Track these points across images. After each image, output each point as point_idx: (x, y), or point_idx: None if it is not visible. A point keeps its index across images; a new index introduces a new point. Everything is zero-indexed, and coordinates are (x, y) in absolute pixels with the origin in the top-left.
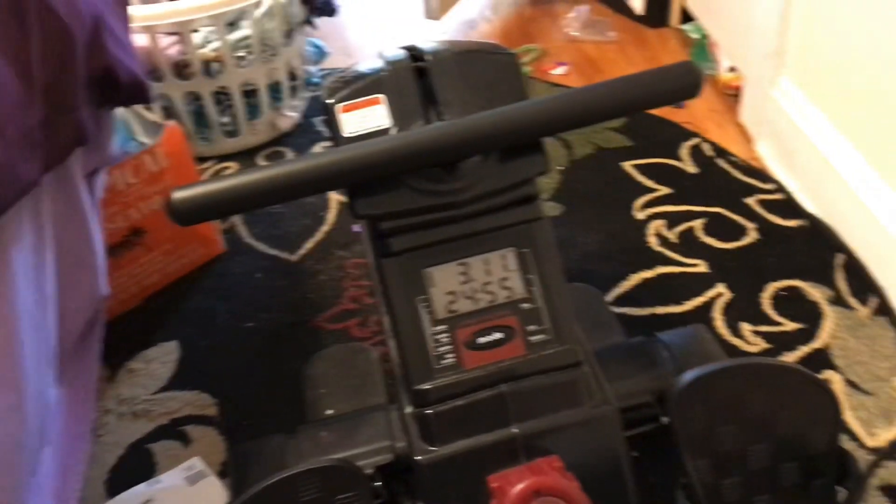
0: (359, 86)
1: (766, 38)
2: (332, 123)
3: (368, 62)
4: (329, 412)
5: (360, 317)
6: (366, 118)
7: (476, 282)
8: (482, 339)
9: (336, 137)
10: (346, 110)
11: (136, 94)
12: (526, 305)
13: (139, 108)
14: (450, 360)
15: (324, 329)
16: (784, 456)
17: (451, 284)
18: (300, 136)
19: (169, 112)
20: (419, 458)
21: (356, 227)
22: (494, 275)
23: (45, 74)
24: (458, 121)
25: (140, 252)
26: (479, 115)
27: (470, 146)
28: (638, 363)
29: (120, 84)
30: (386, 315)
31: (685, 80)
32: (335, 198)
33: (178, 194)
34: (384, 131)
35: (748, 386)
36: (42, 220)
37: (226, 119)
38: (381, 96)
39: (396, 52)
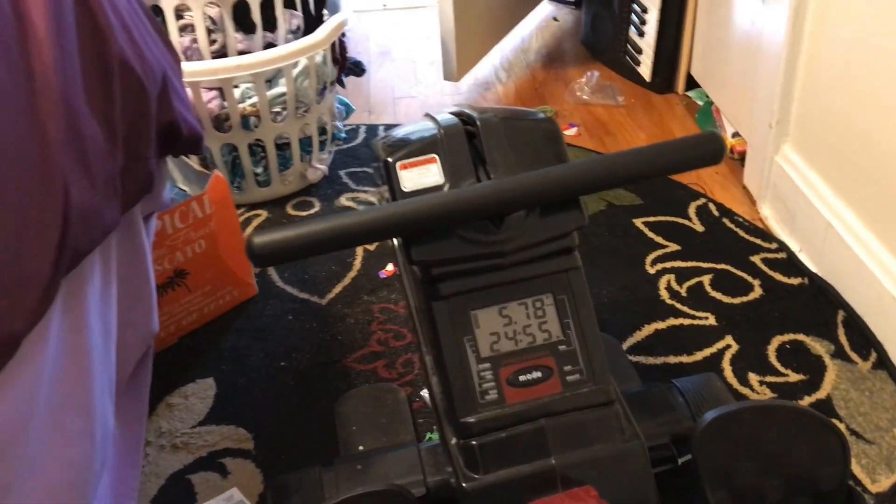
0: (415, 147)
1: (769, 107)
2: (391, 179)
3: (420, 125)
4: (361, 448)
5: (387, 359)
6: (422, 175)
7: (517, 324)
8: (523, 377)
9: (395, 191)
10: (405, 168)
11: (192, 144)
12: (563, 347)
13: (184, 157)
14: (493, 395)
15: (352, 369)
16: (797, 492)
17: (494, 326)
18: (327, 188)
19: (205, 162)
20: (465, 484)
21: (383, 273)
22: (534, 318)
23: (124, 127)
24: (505, 179)
25: (181, 293)
26: (524, 174)
27: (515, 202)
28: (656, 407)
29: (181, 135)
30: (428, 354)
31: (710, 148)
32: (361, 246)
33: (258, 238)
34: (438, 187)
35: (765, 425)
36: (110, 260)
37: (259, 170)
38: (435, 156)
39: (447, 116)
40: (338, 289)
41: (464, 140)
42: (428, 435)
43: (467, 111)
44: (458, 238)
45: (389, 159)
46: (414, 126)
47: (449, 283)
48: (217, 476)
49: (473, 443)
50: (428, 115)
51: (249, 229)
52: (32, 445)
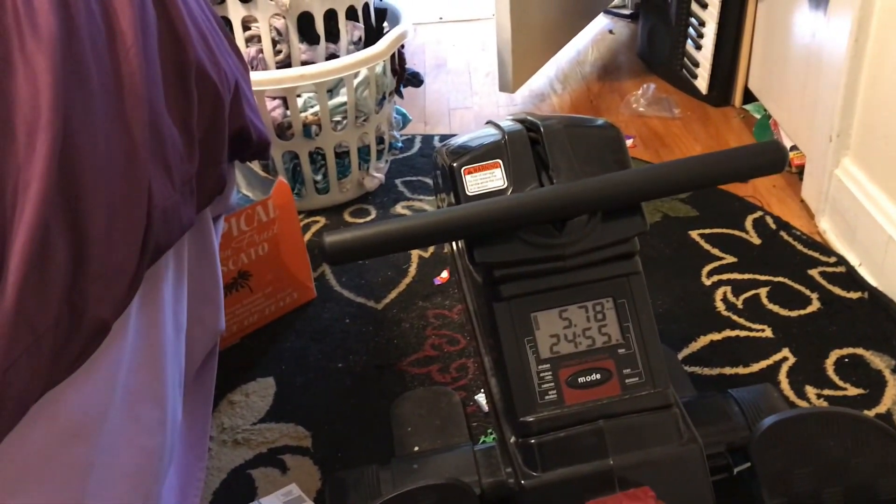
0: (480, 152)
1: (830, 120)
2: (455, 183)
3: (484, 131)
4: (416, 449)
5: (441, 363)
6: (486, 180)
7: (577, 327)
8: (582, 379)
9: (459, 195)
10: (469, 172)
11: (260, 150)
12: (622, 351)
13: (248, 162)
14: (552, 396)
15: (407, 372)
16: (855, 500)
17: (554, 328)
18: (383, 196)
19: (268, 168)
20: (524, 482)
21: (437, 280)
22: (594, 322)
23: (201, 131)
24: (568, 184)
25: (244, 293)
26: (587, 180)
27: (577, 207)
28: (712, 415)
29: (251, 141)
30: (487, 355)
31: (773, 157)
32: (416, 252)
33: (330, 237)
34: (502, 191)
35: (824, 432)
36: (182, 258)
37: (318, 177)
38: (499, 161)
39: (510, 123)
40: (393, 294)
41: (527, 146)
42: (482, 438)
43: (530, 118)
44: (521, 241)
45: (454, 164)
46: (477, 133)
47: (510, 285)
48: (277, 472)
49: (532, 441)
50: (491, 122)
51: (308, 235)
52: (111, 431)
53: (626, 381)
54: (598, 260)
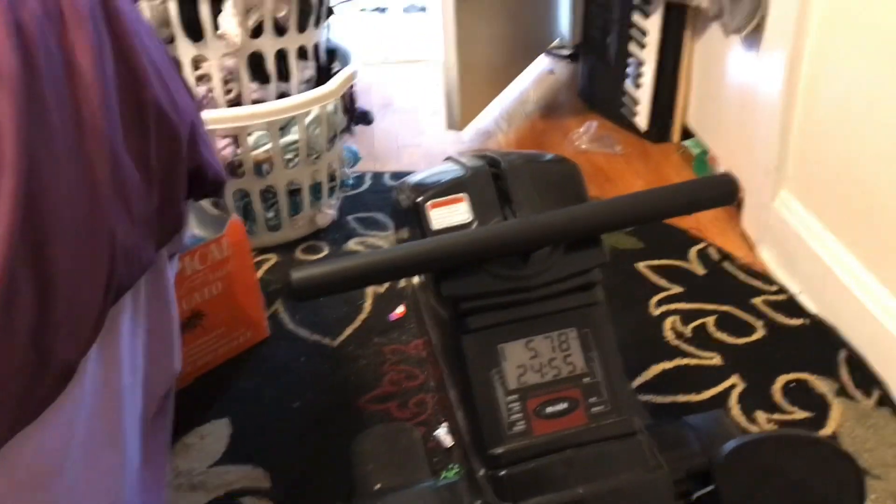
0: (444, 187)
1: (766, 154)
2: (420, 219)
3: (445, 167)
4: (378, 487)
5: (400, 399)
6: (451, 214)
7: (543, 357)
8: (549, 409)
9: (424, 230)
10: (434, 207)
11: (216, 188)
12: (587, 380)
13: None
14: (521, 426)
15: (366, 409)
16: None
17: (521, 359)
18: (335, 232)
19: (218, 206)
20: None
21: (393, 316)
22: (559, 351)
23: (159, 171)
24: (531, 218)
25: (198, 333)
26: (548, 213)
27: (540, 239)
28: (669, 442)
29: (206, 179)
30: (453, 388)
31: (724, 189)
32: (372, 288)
33: (297, 274)
34: (467, 225)
35: (785, 455)
36: (139, 298)
37: (270, 214)
38: (463, 195)
39: (471, 158)
40: (349, 331)
41: (490, 180)
42: (443, 473)
43: (490, 154)
44: (487, 273)
45: (419, 199)
46: (438, 168)
47: (476, 318)
48: None
49: (502, 473)
50: (451, 158)
51: (260, 272)
52: (70, 477)
53: (592, 409)
54: (561, 291)
